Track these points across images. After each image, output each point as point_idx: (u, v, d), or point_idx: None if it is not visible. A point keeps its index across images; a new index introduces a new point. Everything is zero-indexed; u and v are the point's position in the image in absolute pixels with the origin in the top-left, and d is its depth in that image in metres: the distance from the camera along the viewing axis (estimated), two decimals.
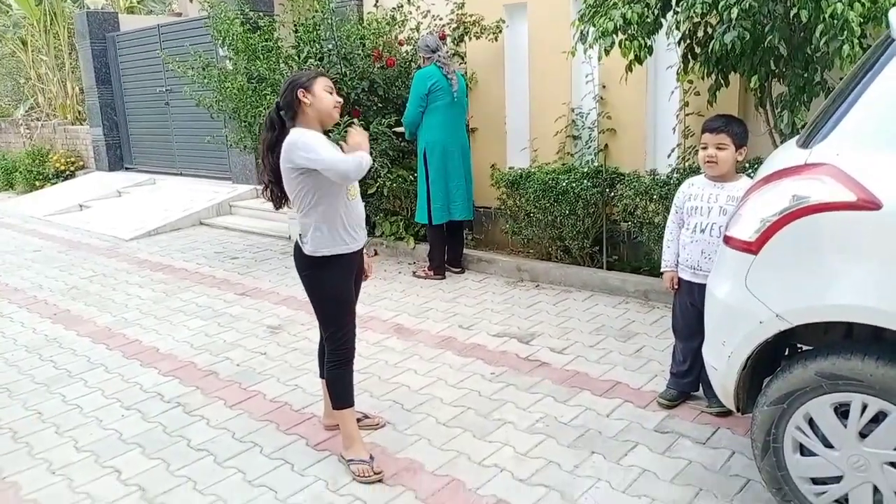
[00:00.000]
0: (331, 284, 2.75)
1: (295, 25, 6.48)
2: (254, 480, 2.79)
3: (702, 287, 2.94)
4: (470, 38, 5.88)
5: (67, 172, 11.59)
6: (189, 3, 11.05)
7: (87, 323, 4.82)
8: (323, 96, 2.70)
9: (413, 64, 6.19)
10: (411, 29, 6.31)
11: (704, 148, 2.93)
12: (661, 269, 3.21)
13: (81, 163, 11.79)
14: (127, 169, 11.13)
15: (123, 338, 4.50)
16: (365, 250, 2.95)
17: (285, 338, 4.37)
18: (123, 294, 5.46)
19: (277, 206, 2.86)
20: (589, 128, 5.34)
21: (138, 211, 8.47)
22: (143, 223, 7.84)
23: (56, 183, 11.36)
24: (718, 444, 2.85)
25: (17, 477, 2.92)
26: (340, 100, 2.76)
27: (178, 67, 6.65)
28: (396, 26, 6.28)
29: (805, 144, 2.20)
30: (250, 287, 5.50)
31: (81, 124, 12.22)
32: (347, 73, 5.97)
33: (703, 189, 2.99)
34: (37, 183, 11.46)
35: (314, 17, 6.04)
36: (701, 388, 3.13)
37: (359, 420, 3.05)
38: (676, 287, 3.13)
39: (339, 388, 2.86)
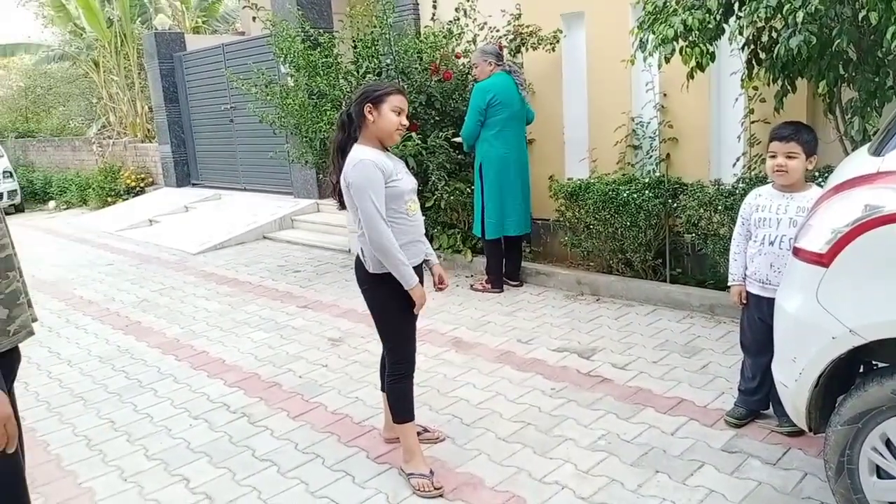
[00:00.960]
0: (391, 299, 2.76)
1: (354, 41, 6.61)
2: (316, 492, 2.83)
3: (771, 301, 2.84)
4: (527, 49, 5.88)
5: (137, 189, 12.08)
6: (252, 22, 11.40)
7: (156, 334, 4.99)
8: (388, 116, 2.69)
9: (470, 76, 6.22)
10: (468, 41, 6.36)
11: (773, 157, 2.84)
12: (728, 283, 3.11)
13: (151, 179, 12.27)
14: (193, 185, 11.52)
15: (191, 349, 4.64)
16: (430, 262, 2.95)
17: (346, 350, 4.43)
18: (191, 306, 5.64)
19: (342, 206, 2.85)
20: (650, 137, 5.26)
21: (204, 225, 8.75)
22: (209, 237, 8.10)
23: (127, 199, 11.85)
24: (790, 465, 2.74)
25: (92, 483, 3.04)
26: (406, 123, 2.75)
27: (242, 85, 6.86)
28: (453, 39, 6.33)
29: (877, 152, 2.11)
30: (312, 300, 5.60)
31: (150, 142, 12.73)
32: (405, 87, 6.04)
33: (772, 200, 2.90)
34: (109, 199, 11.98)
35: (373, 32, 6.15)
36: (771, 406, 3.02)
37: (419, 434, 3.06)
38: (744, 302, 3.03)
39: (400, 402, 2.87)
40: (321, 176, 7.13)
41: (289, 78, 7.23)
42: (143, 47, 12.36)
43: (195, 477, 3.02)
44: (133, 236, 8.98)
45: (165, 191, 11.57)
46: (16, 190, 13.70)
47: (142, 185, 12.14)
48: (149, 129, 13.26)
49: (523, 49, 5.93)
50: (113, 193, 12.00)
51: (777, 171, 2.83)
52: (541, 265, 5.69)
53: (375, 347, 4.41)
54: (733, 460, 2.79)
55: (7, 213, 13.35)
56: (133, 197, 11.89)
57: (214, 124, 10.91)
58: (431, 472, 2.82)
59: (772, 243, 2.86)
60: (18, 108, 19.11)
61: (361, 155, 2.65)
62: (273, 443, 3.27)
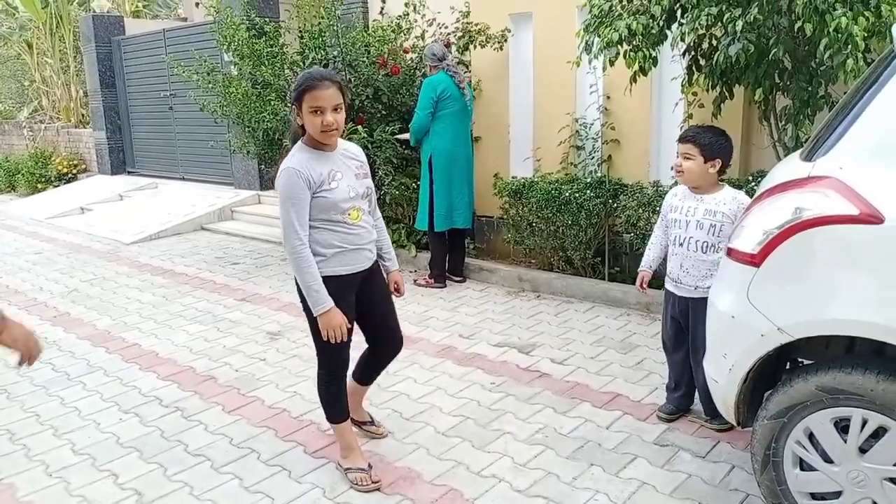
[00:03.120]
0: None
1: (300, 32, 6.51)
2: (250, 487, 2.78)
3: (682, 300, 2.96)
4: (475, 47, 5.90)
5: (70, 175, 11.60)
6: (195, 9, 11.09)
7: (86, 326, 4.81)
8: (308, 119, 2.51)
9: (418, 72, 6.21)
10: (416, 37, 6.34)
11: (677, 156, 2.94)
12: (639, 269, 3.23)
13: (84, 166, 11.81)
14: (129, 173, 11.14)
15: (123, 341, 4.49)
16: (387, 268, 2.91)
17: (285, 344, 4.36)
18: (123, 298, 5.46)
19: None
20: (592, 138, 5.35)
21: (140, 215, 8.47)
22: (144, 227, 7.85)
23: (58, 186, 11.37)
24: (718, 457, 2.84)
25: (15, 479, 2.91)
26: (331, 121, 2.49)
27: (184, 72, 6.67)
28: (402, 34, 6.30)
29: (808, 157, 2.20)
30: (250, 293, 5.50)
31: (84, 127, 12.26)
32: (352, 79, 5.98)
33: (684, 201, 2.99)
34: (39, 185, 11.47)
35: (320, 23, 6.07)
36: (700, 403, 3.11)
37: (364, 423, 3.05)
38: (644, 287, 3.16)
39: (330, 405, 2.81)
40: (263, 167, 6.99)
41: (232, 66, 7.07)
42: (79, 30, 11.88)
43: (124, 472, 2.93)
44: (64, 224, 8.62)
45: (99, 178, 11.15)
46: None
47: (74, 171, 11.66)
48: (83, 115, 12.75)
49: (471, 47, 5.95)
50: (43, 180, 11.48)
51: (675, 171, 2.94)
52: (484, 261, 5.74)
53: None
54: (664, 453, 2.87)
55: None
56: (65, 184, 11.41)
57: (153, 111, 10.58)
58: (370, 465, 2.80)
59: (681, 244, 2.96)
60: None
61: (288, 161, 2.55)
62: (207, 437, 3.20)
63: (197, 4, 7.16)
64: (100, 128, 11.14)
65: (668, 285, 3.06)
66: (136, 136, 11.06)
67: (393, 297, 2.95)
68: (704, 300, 2.53)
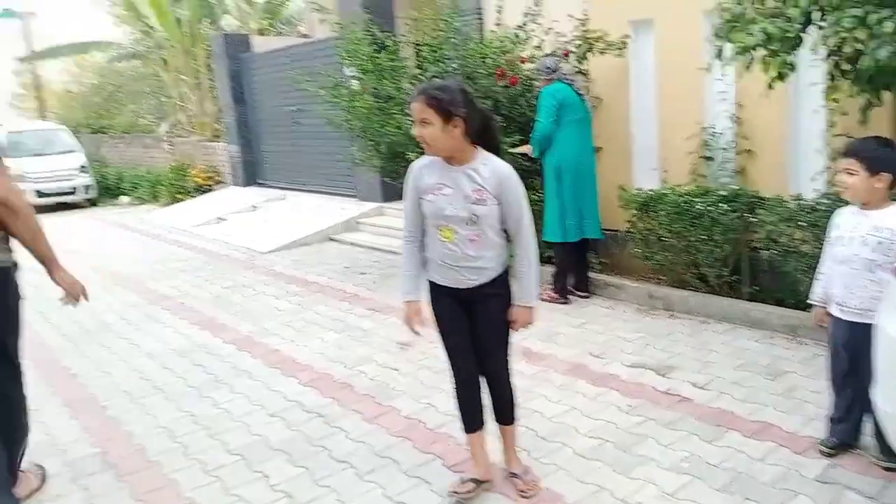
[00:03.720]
0: (431, 306, 2.82)
1: (417, 45, 6.63)
2: (394, 497, 2.84)
3: (849, 325, 2.74)
4: (593, 55, 5.81)
5: (206, 187, 12.40)
6: (317, 25, 11.59)
7: (231, 331, 5.11)
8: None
9: (535, 82, 6.20)
10: (534, 47, 6.32)
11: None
12: (809, 301, 3.02)
13: (218, 178, 12.59)
14: (259, 184, 11.77)
15: (264, 347, 4.73)
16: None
17: (415, 355, 4.44)
18: (262, 304, 5.76)
19: None
20: (723, 148, 5.13)
21: (271, 225, 8.93)
22: (276, 237, 8.26)
23: (196, 196, 12.17)
24: (891, 499, 2.63)
25: (177, 475, 3.12)
26: (417, 133, 2.52)
27: (308, 88, 6.95)
28: (519, 44, 6.31)
29: None
30: (379, 302, 5.65)
31: (218, 141, 13.06)
32: (471, 91, 6.03)
33: (850, 217, 2.80)
34: (178, 196, 12.33)
35: (438, 36, 6.17)
36: (873, 438, 2.87)
37: (511, 474, 2.88)
38: (823, 324, 2.94)
39: (459, 412, 2.89)
40: (386, 180, 7.17)
41: (353, 81, 7.31)
42: (210, 48, 12.67)
43: (275, 474, 3.07)
44: (203, 233, 9.22)
45: (232, 189, 11.86)
46: (91, 185, 14.21)
47: (210, 183, 12.46)
48: (217, 129, 13.61)
49: (589, 55, 5.87)
50: (182, 191, 12.35)
51: (841, 187, 2.75)
52: (610, 277, 5.61)
53: (443, 353, 4.43)
54: (829, 492, 2.68)
55: (82, 208, 13.94)
56: (202, 195, 12.21)
57: (280, 125, 11.12)
58: (476, 481, 2.80)
59: (843, 262, 2.76)
60: (92, 104, 19.86)
61: (416, 164, 2.73)
62: (349, 445, 3.30)
63: (321, 21, 7.43)
64: (233, 141, 11.85)
65: (833, 310, 2.86)
66: (266, 150, 11.67)
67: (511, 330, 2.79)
68: (872, 326, 2.36)
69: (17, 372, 2.95)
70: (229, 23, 15.55)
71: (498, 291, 2.70)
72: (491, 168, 2.56)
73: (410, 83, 6.31)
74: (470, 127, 2.52)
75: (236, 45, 11.74)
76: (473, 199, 2.54)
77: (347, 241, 8.17)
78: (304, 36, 13.41)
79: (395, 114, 6.18)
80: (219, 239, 8.76)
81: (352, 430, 3.44)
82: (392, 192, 8.47)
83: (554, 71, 5.27)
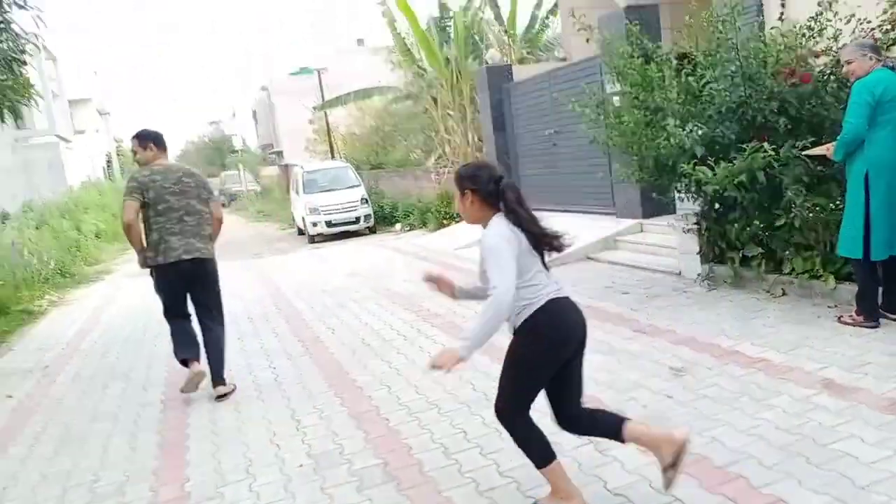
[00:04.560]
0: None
1: (688, 54, 6.21)
2: None
3: None
4: None
5: None
6: (574, 47, 11.58)
7: (497, 349, 5.15)
8: None
9: (832, 77, 5.43)
10: (829, 38, 5.56)
11: None
12: None
13: None
14: None
15: None
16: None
17: (691, 382, 4.07)
18: None
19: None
20: None
21: None
22: None
23: (459, 221, 12.81)
24: None
25: (451, 493, 3.17)
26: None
27: (575, 107, 6.91)
28: (812, 37, 5.59)
29: None
30: (645, 324, 5.33)
31: None
32: (752, 94, 5.49)
33: None
34: (444, 221, 13.10)
35: (718, 38, 5.72)
36: None
37: None
38: None
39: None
40: (654, 195, 6.82)
41: (614, 98, 7.11)
42: (474, 82, 13.35)
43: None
44: (467, 255, 9.61)
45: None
46: (370, 214, 15.81)
47: None
48: (477, 157, 14.26)
49: None
50: (448, 217, 13.10)
51: None
52: None
53: (726, 382, 4.00)
54: None
55: (362, 235, 15.52)
56: None
57: (538, 149, 11.27)
58: None
59: None
60: (371, 143, 22.13)
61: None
62: (624, 477, 3.10)
63: (587, 40, 7.36)
64: None
65: None
66: (524, 174, 11.90)
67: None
68: None
69: (219, 320, 5.12)
70: (492, 56, 16.29)
71: (516, 336, 2.87)
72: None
73: (681, 94, 5.94)
74: (481, 195, 2.76)
75: (498, 75, 12.19)
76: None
77: (605, 259, 7.92)
78: (561, 59, 13.52)
79: (664, 126, 5.86)
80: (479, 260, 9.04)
81: (627, 462, 3.22)
82: (652, 209, 8.06)
83: (875, 51, 4.45)
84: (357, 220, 15.55)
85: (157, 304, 5.13)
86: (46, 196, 19.58)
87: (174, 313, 5.01)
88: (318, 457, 3.76)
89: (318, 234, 15.53)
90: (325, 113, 23.20)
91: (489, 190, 2.74)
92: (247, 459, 3.86)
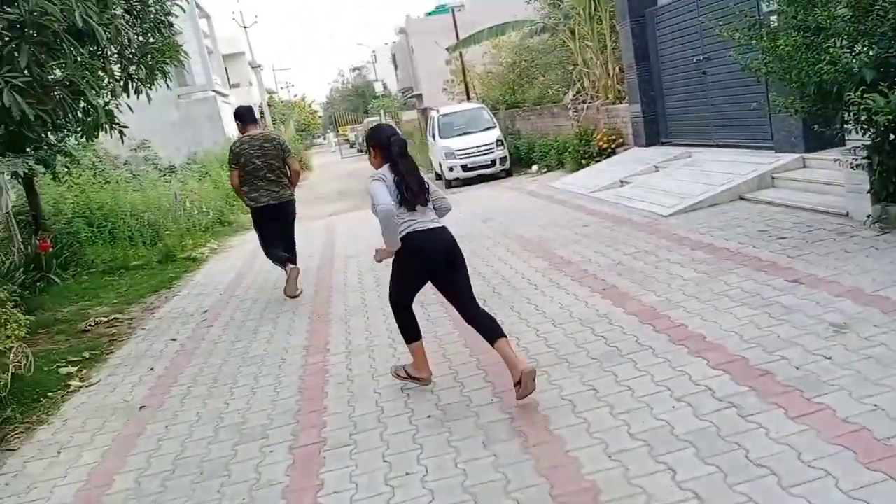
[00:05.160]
0: None
1: None
2: None
3: None
4: None
5: (609, 150, 12.44)
6: None
7: (632, 301, 4.92)
8: None
9: None
10: None
11: None
12: None
13: (621, 140, 12.49)
14: (663, 143, 11.31)
15: (668, 320, 4.42)
16: None
17: (853, 340, 3.63)
18: (665, 273, 5.43)
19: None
20: None
21: (675, 186, 8.46)
22: (680, 199, 7.78)
23: (599, 160, 12.31)
24: None
25: (579, 453, 3.06)
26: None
27: (721, 31, 6.26)
28: None
29: None
30: (803, 273, 4.82)
31: (621, 103, 12.94)
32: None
33: None
34: (583, 161, 12.63)
35: None
36: None
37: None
38: None
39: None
40: (815, 127, 6.08)
41: (771, 17, 6.34)
42: (614, 9, 12.55)
43: (681, 469, 2.79)
44: (605, 197, 9.23)
45: (635, 150, 11.65)
46: (506, 157, 15.57)
47: (613, 146, 12.46)
48: (619, 91, 13.50)
49: None
50: (586, 156, 12.61)
51: None
52: None
53: (893, 340, 3.53)
54: None
55: (497, 178, 15.35)
56: (605, 158, 12.30)
57: (684, 79, 10.46)
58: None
59: None
60: (507, 81, 21.62)
61: None
62: (769, 446, 2.82)
63: None
64: (635, 101, 11.59)
65: None
66: (669, 106, 11.14)
67: None
68: None
69: (293, 246, 7.14)
70: None
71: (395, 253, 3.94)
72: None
73: (849, 10, 5.17)
74: (379, 149, 3.98)
75: (639, 0, 11.36)
76: None
77: (761, 199, 7.25)
78: None
79: (828, 48, 5.16)
80: (620, 203, 8.64)
81: (773, 429, 2.94)
82: (816, 142, 7.22)
83: None
84: (493, 162, 15.38)
85: (305, 250, 6.00)
86: (207, 148, 21.09)
87: (266, 242, 6.98)
88: (446, 408, 3.78)
89: (455, 179, 15.56)
90: (461, 53, 22.91)
91: (384, 145, 3.89)
92: (379, 408, 3.96)
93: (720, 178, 8.05)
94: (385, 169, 3.84)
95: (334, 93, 78.59)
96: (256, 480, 3.40)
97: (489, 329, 3.74)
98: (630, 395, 3.52)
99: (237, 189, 6.91)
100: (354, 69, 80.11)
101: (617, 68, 13.64)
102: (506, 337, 3.70)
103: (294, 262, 6.89)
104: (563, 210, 9.17)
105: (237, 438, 3.91)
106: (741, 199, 7.53)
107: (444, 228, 3.92)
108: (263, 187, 6.73)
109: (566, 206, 9.45)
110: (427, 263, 3.86)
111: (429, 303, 5.78)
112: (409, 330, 4.04)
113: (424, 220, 3.84)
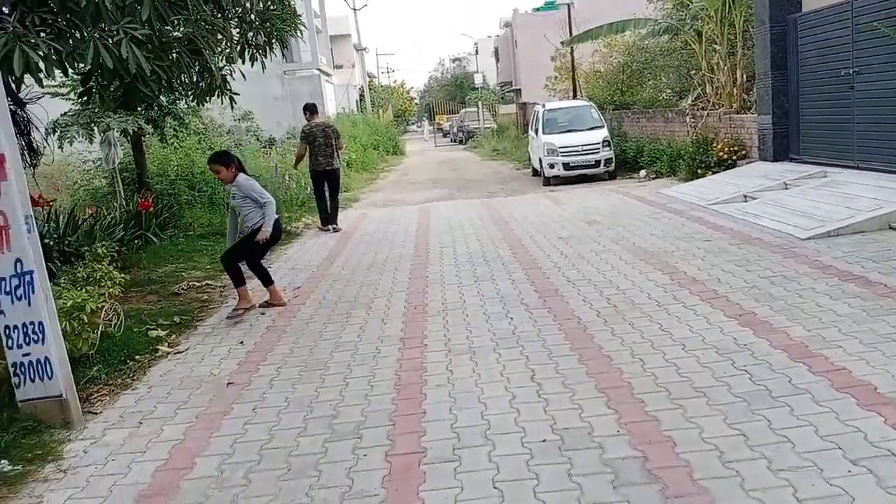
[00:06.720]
0: None
1: None
2: None
3: None
4: None
5: (729, 161, 11.56)
6: None
7: (777, 333, 4.29)
8: None
9: None
10: None
11: None
12: None
13: (743, 152, 11.58)
14: (792, 159, 10.38)
15: (825, 361, 3.79)
16: None
17: None
18: (813, 304, 4.75)
19: None
20: None
21: (811, 207, 7.63)
22: (819, 221, 6.98)
23: (717, 171, 11.45)
24: None
25: None
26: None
27: (882, 27, 5.46)
28: None
29: None
30: None
31: (747, 113, 12.01)
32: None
33: None
34: (698, 170, 11.79)
35: None
36: None
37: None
38: None
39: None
40: None
41: None
42: (751, 12, 11.63)
43: None
44: (727, 211, 8.46)
45: (759, 164, 10.75)
46: (611, 158, 14.81)
47: (734, 157, 11.56)
48: (744, 100, 12.55)
49: None
50: (703, 165, 11.76)
51: None
52: None
53: None
54: None
55: (601, 180, 14.65)
56: (723, 170, 11.44)
57: (827, 92, 9.51)
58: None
59: None
60: (616, 81, 20.73)
61: None
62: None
63: None
64: (765, 112, 10.68)
65: None
66: (804, 120, 10.19)
67: None
68: None
69: (337, 201, 10.84)
70: None
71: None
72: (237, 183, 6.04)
73: None
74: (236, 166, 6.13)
75: (783, 5, 10.44)
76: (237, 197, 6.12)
77: None
78: None
79: None
80: (745, 219, 7.87)
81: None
82: None
83: None
84: (597, 163, 14.66)
85: (398, 236, 7.36)
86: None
87: (318, 195, 10.65)
88: (564, 433, 3.31)
89: (555, 177, 14.94)
90: (572, 49, 22.17)
91: (239, 163, 6.16)
92: (485, 421, 3.54)
93: (866, 202, 7.18)
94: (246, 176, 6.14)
95: (432, 81, 78.83)
96: (349, 488, 3.04)
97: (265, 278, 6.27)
98: (790, 448, 2.95)
99: (300, 157, 10.74)
100: (455, 59, 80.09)
101: (745, 76, 12.69)
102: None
103: (335, 222, 10.45)
104: (680, 220, 8.47)
105: (328, 434, 3.58)
106: (891, 228, 6.67)
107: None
108: (322, 158, 10.43)
109: (682, 216, 8.74)
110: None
111: (534, 307, 5.33)
112: (240, 280, 6.06)
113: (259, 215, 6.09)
